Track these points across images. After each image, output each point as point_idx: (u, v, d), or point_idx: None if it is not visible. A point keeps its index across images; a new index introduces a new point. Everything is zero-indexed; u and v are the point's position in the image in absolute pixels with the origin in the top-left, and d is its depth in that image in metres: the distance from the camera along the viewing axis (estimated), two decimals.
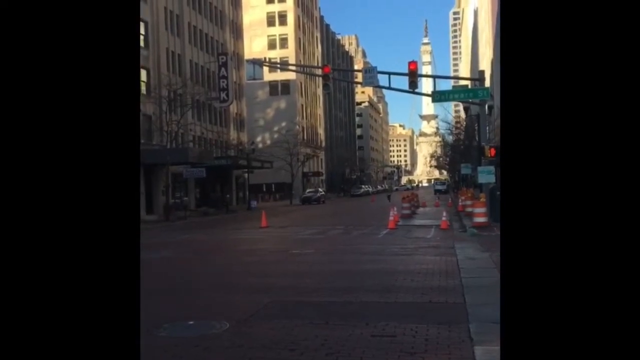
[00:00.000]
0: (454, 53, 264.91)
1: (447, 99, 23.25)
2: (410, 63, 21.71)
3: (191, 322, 6.45)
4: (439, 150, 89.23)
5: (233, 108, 53.56)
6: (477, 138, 30.96)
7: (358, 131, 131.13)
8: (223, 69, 46.57)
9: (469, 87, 29.63)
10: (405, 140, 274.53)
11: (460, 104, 35.15)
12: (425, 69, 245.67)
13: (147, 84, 38.49)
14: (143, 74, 38.51)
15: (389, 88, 23.62)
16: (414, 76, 21.77)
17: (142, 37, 38.51)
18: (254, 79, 24.63)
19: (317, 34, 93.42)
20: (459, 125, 57.98)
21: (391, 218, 21.39)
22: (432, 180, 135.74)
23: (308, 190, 62.54)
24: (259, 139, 68.73)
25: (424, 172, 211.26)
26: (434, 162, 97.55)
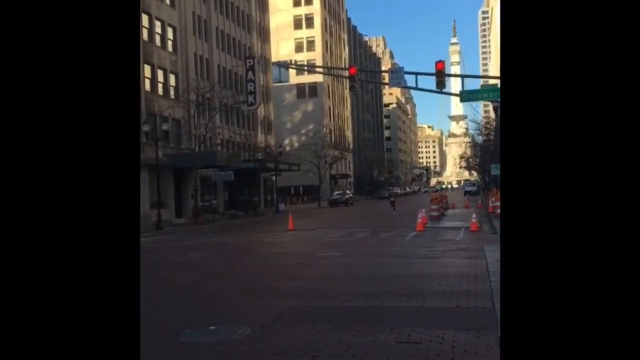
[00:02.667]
0: (484, 52, 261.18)
1: (476, 99, 22.85)
2: (437, 63, 21.40)
3: (213, 327, 6.38)
4: (468, 151, 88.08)
5: (260, 111, 53.81)
6: None
7: (386, 133, 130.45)
8: (250, 72, 46.82)
9: (498, 86, 29.10)
10: (434, 141, 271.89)
11: (490, 103, 34.55)
12: (454, 69, 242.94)
13: (176, 88, 38.93)
14: (172, 79, 38.99)
15: (416, 88, 23.33)
16: (441, 76, 21.44)
17: (170, 42, 39.01)
18: (280, 81, 24.61)
19: (344, 36, 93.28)
20: (488, 125, 57.08)
21: (419, 220, 21.10)
22: (462, 182, 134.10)
23: (336, 193, 62.40)
24: (286, 141, 68.90)
25: (453, 174, 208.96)
26: (463, 163, 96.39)
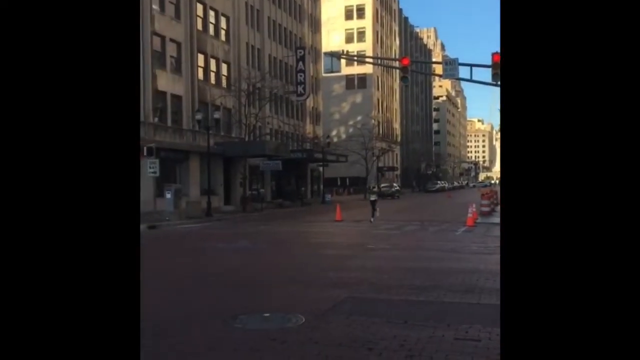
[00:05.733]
0: None
1: None
2: (494, 54, 20.82)
3: (267, 315, 6.41)
4: None
5: (309, 102, 53.90)
6: None
7: (435, 126, 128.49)
8: (301, 62, 46.94)
9: None
10: (484, 135, 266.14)
11: None
12: None
13: (228, 77, 39.39)
14: (224, 68, 39.48)
15: (471, 80, 22.80)
16: (497, 68, 20.85)
17: (223, 32, 39.48)
18: (332, 71, 24.52)
19: (395, 27, 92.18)
20: None
21: (470, 215, 20.69)
22: None
23: (382, 185, 62.00)
24: (334, 132, 68.80)
25: None
26: None
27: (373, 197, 25.33)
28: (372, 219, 22.74)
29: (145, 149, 25.96)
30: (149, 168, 25.40)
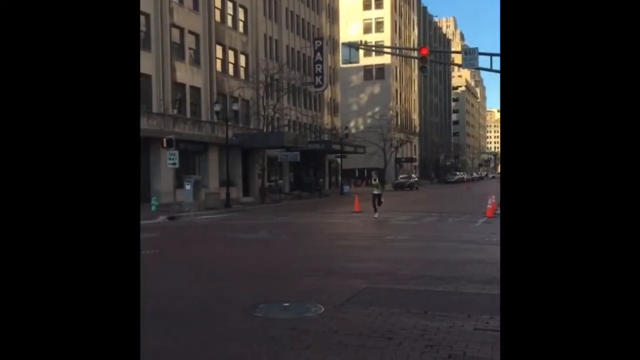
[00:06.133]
0: None
1: None
2: None
3: (286, 304, 6.44)
4: None
5: (327, 93, 53.78)
6: None
7: (454, 116, 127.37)
8: (318, 53, 46.82)
9: None
10: None
11: None
12: None
13: (246, 69, 39.48)
14: (242, 60, 39.55)
15: (491, 70, 22.51)
16: None
17: (241, 24, 39.52)
18: (350, 62, 24.42)
19: (414, 17, 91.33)
20: None
21: (489, 206, 20.52)
22: None
23: (401, 176, 61.75)
24: (352, 123, 68.62)
25: None
26: None
27: (376, 191, 21.20)
28: (375, 215, 20.28)
29: (165, 140, 26.19)
30: (169, 159, 25.62)
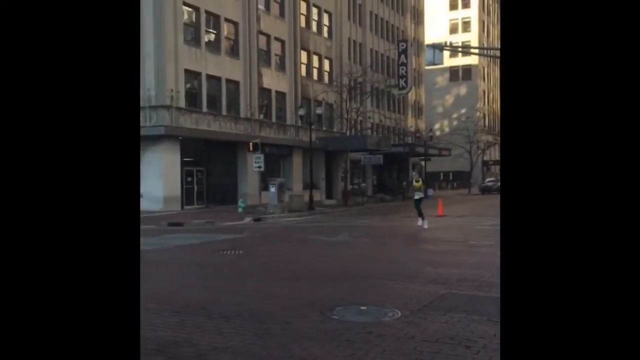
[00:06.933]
0: None
1: None
2: None
3: (363, 308, 6.47)
4: None
5: (411, 95, 53.20)
6: None
7: None
8: (403, 55, 46.42)
9: None
10: None
11: None
12: None
13: (330, 73, 39.91)
14: (326, 64, 40.01)
15: None
16: None
17: (326, 29, 40.01)
18: (434, 64, 24.04)
19: None
20: None
21: None
22: None
23: (488, 179, 59.80)
24: (437, 126, 67.41)
25: None
26: None
27: (417, 196, 17.95)
28: (424, 224, 17.43)
29: (251, 144, 27.05)
30: (255, 163, 26.42)
